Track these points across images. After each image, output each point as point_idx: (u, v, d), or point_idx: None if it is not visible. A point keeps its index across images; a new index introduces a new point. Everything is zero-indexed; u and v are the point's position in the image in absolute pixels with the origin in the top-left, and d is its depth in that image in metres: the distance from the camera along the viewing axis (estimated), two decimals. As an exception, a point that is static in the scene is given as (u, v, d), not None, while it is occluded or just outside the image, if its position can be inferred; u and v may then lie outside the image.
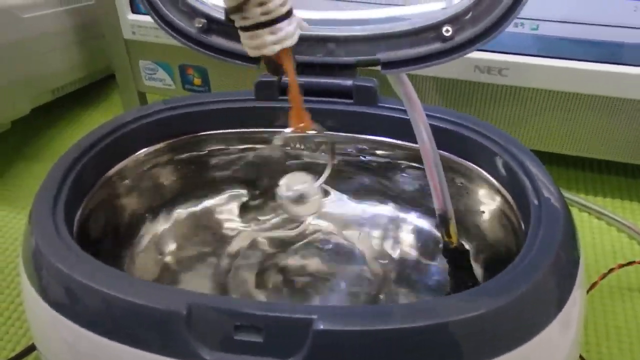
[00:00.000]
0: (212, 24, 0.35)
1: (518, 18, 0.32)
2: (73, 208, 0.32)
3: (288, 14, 0.27)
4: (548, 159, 0.56)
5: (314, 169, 0.35)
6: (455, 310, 0.24)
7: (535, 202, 0.30)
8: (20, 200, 0.55)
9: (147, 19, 0.55)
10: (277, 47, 0.27)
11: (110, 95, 0.72)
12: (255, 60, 0.30)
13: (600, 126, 0.49)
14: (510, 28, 0.32)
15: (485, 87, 0.50)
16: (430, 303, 0.27)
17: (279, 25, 0.26)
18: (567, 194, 0.52)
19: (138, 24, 0.56)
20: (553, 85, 0.48)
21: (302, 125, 0.30)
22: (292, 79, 0.29)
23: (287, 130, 0.30)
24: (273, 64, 0.28)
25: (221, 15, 0.35)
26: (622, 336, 0.41)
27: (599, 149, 0.51)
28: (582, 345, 0.40)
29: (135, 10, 0.56)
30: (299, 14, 0.28)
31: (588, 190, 0.54)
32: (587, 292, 0.41)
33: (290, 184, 0.31)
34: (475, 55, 0.33)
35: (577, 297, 0.27)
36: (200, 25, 0.35)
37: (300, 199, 0.31)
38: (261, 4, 0.25)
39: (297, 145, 0.40)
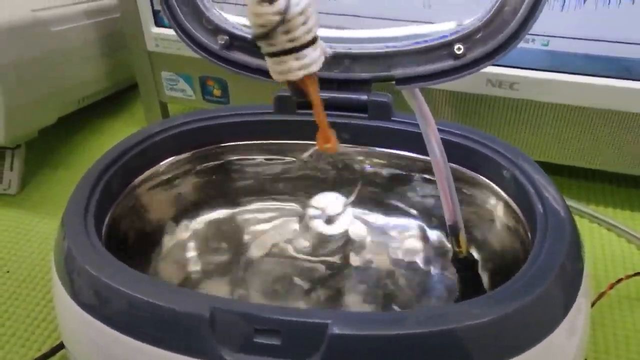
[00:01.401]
0: (234, 40, 0.36)
1: (529, 34, 0.32)
2: (102, 214, 0.34)
3: (314, 41, 0.27)
4: (559, 171, 0.57)
5: (330, 182, 0.36)
6: (465, 316, 0.25)
7: (541, 212, 0.31)
8: (46, 206, 0.57)
9: (170, 32, 0.57)
10: (302, 73, 0.27)
11: (133, 105, 0.73)
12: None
13: (610, 139, 0.50)
14: (521, 44, 0.33)
15: (496, 100, 0.51)
16: (440, 310, 0.28)
17: (304, 52, 0.27)
18: (577, 206, 0.53)
19: (161, 36, 0.58)
20: (563, 100, 0.49)
21: (328, 146, 0.30)
22: (317, 102, 0.29)
23: (314, 149, 0.31)
24: (297, 87, 0.28)
25: (243, 33, 0.36)
26: (630, 345, 0.41)
27: (609, 161, 0.52)
28: (590, 353, 0.41)
29: (158, 23, 0.58)
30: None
31: (598, 201, 0.55)
32: (596, 301, 0.42)
33: (320, 204, 0.32)
34: (487, 69, 0.34)
35: (582, 304, 0.28)
36: (223, 42, 0.36)
37: (329, 220, 0.32)
38: (287, 32, 0.26)
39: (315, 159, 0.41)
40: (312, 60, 0.27)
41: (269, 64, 0.27)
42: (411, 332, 0.25)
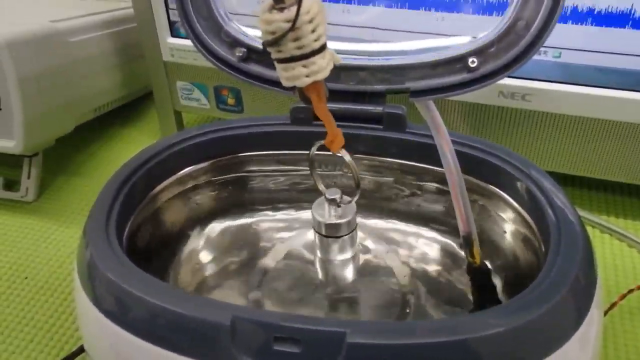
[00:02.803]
0: (251, 53, 0.37)
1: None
2: (123, 223, 0.34)
3: (321, 49, 0.28)
4: (571, 182, 0.57)
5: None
6: (480, 327, 0.25)
7: (555, 224, 0.32)
8: (63, 213, 0.58)
9: (186, 42, 0.58)
10: (309, 80, 0.28)
11: (148, 113, 0.74)
12: (291, 88, 0.32)
13: (622, 150, 0.50)
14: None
15: (509, 111, 0.51)
16: (455, 320, 0.29)
17: (312, 59, 0.27)
18: (589, 216, 0.53)
19: (177, 47, 0.59)
20: (575, 111, 0.49)
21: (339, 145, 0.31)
22: (323, 110, 0.30)
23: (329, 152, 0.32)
24: (306, 94, 0.29)
25: (260, 45, 0.37)
26: (641, 356, 0.42)
27: (621, 172, 0.52)
28: (601, 363, 0.41)
29: (174, 34, 0.59)
30: (334, 45, 0.30)
31: (610, 212, 0.55)
32: (607, 312, 0.42)
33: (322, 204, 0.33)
34: (499, 81, 0.34)
35: (595, 315, 0.29)
36: (241, 54, 0.37)
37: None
38: (296, 39, 0.26)
39: (328, 167, 0.42)
40: (320, 67, 0.28)
41: (278, 69, 0.28)
42: (427, 342, 0.25)
